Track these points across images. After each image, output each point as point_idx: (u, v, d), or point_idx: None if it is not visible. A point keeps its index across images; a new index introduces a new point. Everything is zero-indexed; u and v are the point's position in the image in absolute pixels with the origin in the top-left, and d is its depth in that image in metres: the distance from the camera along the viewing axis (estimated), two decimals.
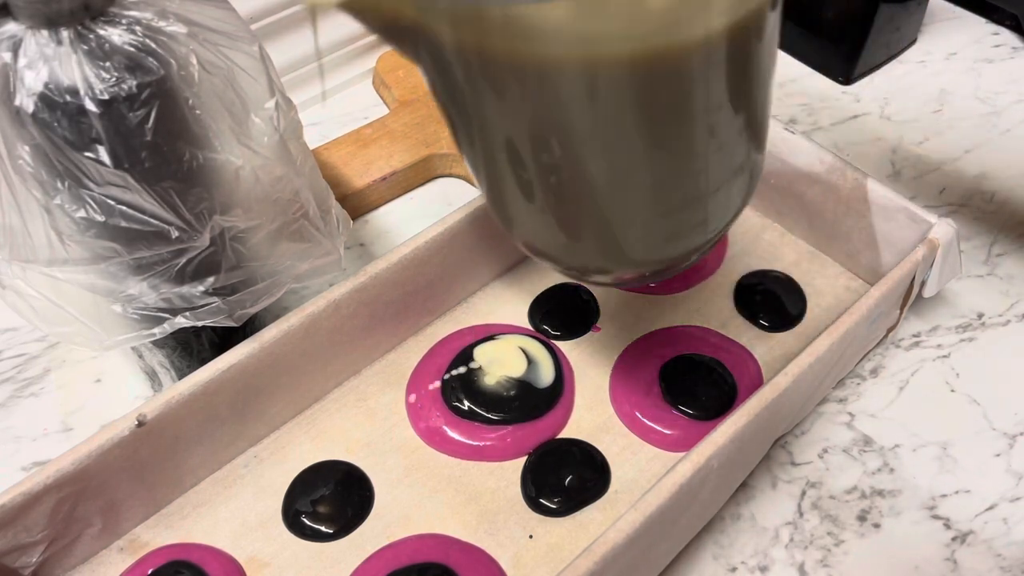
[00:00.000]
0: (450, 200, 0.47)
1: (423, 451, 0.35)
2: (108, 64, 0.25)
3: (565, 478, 0.34)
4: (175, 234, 0.28)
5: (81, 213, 0.26)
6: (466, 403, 0.36)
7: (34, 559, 0.30)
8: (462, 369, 0.37)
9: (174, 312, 0.30)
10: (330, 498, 0.33)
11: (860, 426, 0.36)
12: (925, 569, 0.32)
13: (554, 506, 0.33)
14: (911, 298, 0.37)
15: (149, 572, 0.31)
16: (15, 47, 0.25)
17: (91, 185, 0.26)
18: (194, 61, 0.27)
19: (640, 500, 0.27)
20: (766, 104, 0.25)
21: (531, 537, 0.32)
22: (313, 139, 0.48)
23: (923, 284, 0.36)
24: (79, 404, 0.38)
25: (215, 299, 0.30)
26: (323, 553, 0.32)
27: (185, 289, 0.30)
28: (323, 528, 0.33)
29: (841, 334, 0.32)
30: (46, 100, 0.25)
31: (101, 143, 0.25)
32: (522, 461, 0.35)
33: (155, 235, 0.28)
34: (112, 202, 0.27)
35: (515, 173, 0.25)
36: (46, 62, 0.25)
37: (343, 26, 0.41)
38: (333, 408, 0.36)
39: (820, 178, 0.39)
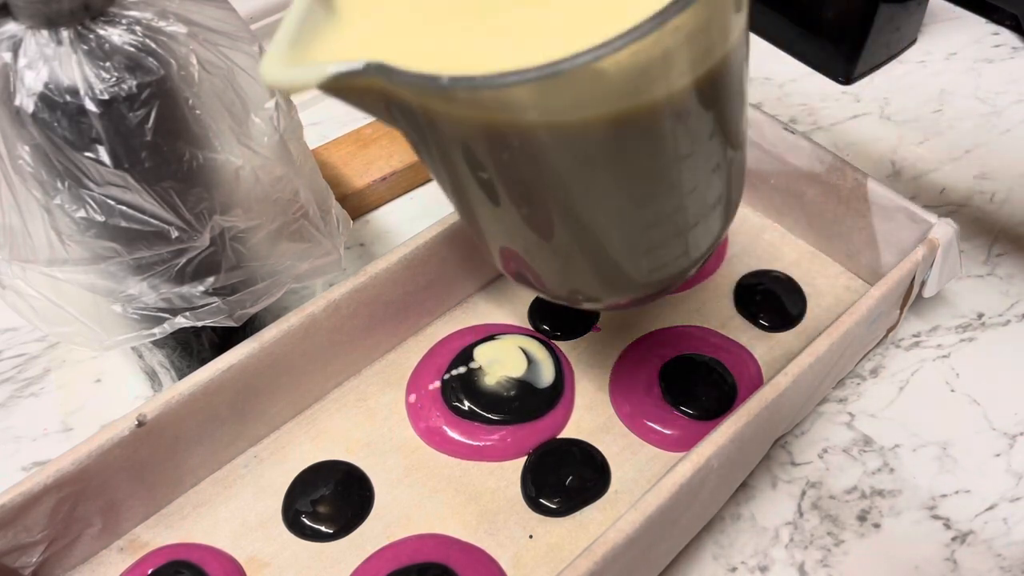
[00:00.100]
0: None
1: (423, 451, 0.35)
2: (108, 64, 0.25)
3: (565, 478, 0.34)
4: (175, 234, 0.28)
5: (81, 213, 0.26)
6: (466, 403, 0.36)
7: (34, 559, 0.30)
8: (462, 369, 0.37)
9: (174, 312, 0.30)
10: (330, 498, 0.33)
11: (860, 426, 0.36)
12: (925, 569, 0.32)
13: (554, 506, 0.33)
14: (911, 298, 0.37)
15: (149, 572, 0.31)
16: (15, 47, 0.25)
17: (91, 185, 0.26)
18: (194, 61, 0.27)
19: (640, 500, 0.27)
20: (739, 137, 0.25)
21: (531, 537, 0.32)
22: (313, 139, 0.48)
23: (923, 284, 0.36)
24: (79, 404, 0.38)
25: (215, 299, 0.30)
26: (323, 553, 0.32)
27: (185, 289, 0.30)
28: (323, 528, 0.33)
29: (841, 334, 0.32)
30: (46, 100, 0.25)
31: (101, 143, 0.25)
32: (522, 461, 0.35)
33: (155, 235, 0.28)
34: (112, 202, 0.27)
35: (496, 222, 0.26)
36: (46, 62, 0.25)
37: None
38: (333, 408, 0.36)
39: (820, 178, 0.39)
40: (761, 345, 0.38)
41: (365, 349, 0.37)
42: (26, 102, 0.25)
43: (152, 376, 0.37)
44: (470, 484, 0.34)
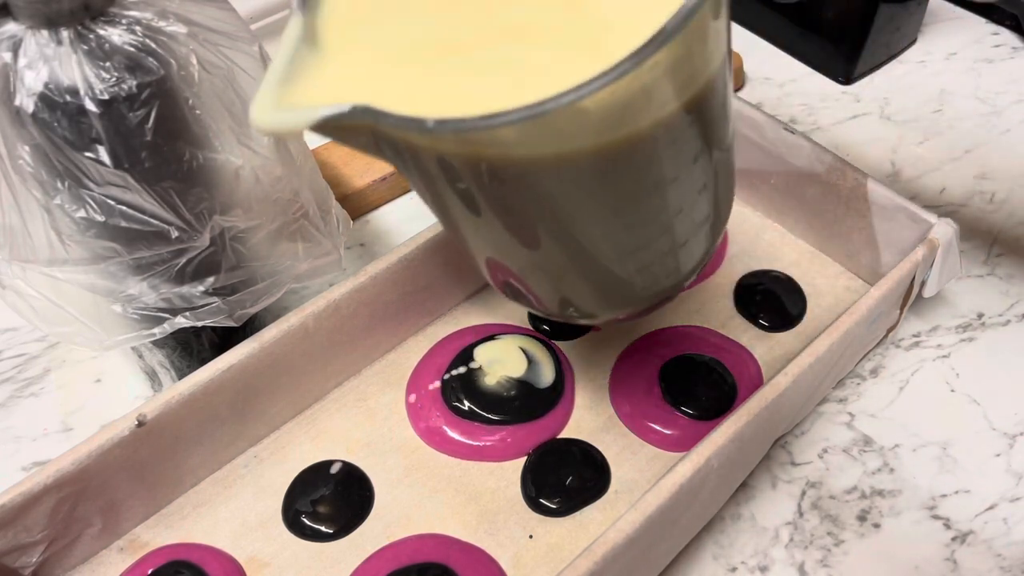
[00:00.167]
0: None
1: (423, 451, 0.35)
2: (108, 64, 0.25)
3: (565, 478, 0.34)
4: (175, 234, 0.28)
5: (81, 213, 0.26)
6: (466, 403, 0.36)
7: (34, 559, 0.30)
8: (462, 369, 0.37)
9: (174, 312, 0.30)
10: (330, 498, 0.33)
11: (860, 426, 0.36)
12: (925, 569, 0.32)
13: (554, 506, 0.33)
14: (911, 298, 0.37)
15: (149, 572, 0.31)
16: (15, 47, 0.25)
17: (91, 185, 0.26)
18: (194, 61, 0.27)
19: (640, 500, 0.27)
20: (725, 156, 0.25)
21: (531, 537, 0.32)
22: (313, 139, 0.48)
23: (923, 284, 0.36)
24: (79, 404, 0.38)
25: (215, 299, 0.30)
26: (323, 553, 0.32)
27: (185, 289, 0.30)
28: (323, 528, 0.33)
29: (841, 334, 0.32)
30: (46, 100, 0.25)
31: (101, 143, 0.25)
32: (522, 461, 0.35)
33: (155, 235, 0.28)
34: (112, 202, 0.27)
35: (486, 247, 0.26)
36: (46, 62, 0.25)
37: None
38: (333, 408, 0.36)
39: (820, 178, 0.39)
40: (761, 345, 0.38)
41: (365, 349, 0.37)
42: (26, 102, 0.25)
43: (152, 376, 0.37)
44: (470, 484, 0.34)
